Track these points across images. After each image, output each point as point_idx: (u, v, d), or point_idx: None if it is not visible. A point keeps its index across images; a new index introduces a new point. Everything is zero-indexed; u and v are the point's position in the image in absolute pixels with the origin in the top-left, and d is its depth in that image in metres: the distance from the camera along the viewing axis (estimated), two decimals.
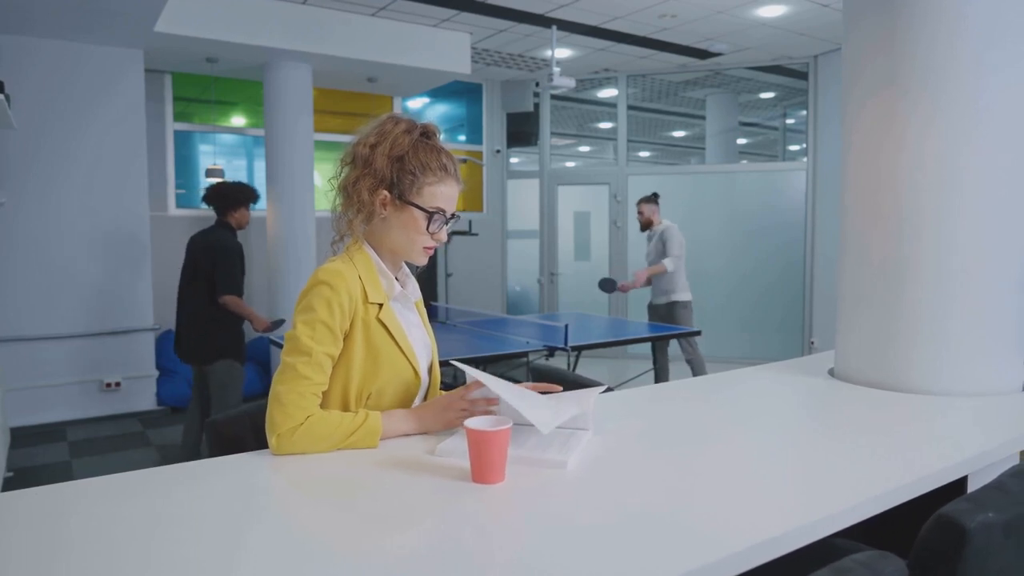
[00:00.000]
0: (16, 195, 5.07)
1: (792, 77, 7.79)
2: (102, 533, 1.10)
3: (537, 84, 7.98)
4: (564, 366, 4.81)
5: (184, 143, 6.71)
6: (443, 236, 1.60)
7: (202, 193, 4.08)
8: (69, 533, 1.10)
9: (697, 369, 5.53)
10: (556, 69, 5.34)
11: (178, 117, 6.58)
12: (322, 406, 1.50)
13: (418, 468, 1.36)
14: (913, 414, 1.87)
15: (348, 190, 1.54)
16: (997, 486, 1.25)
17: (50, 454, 4.66)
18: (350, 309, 1.50)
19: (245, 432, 1.70)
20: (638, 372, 6.10)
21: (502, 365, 5.64)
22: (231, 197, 3.97)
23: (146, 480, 1.36)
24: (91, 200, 5.38)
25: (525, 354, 4.53)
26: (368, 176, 1.52)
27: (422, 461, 1.40)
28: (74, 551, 1.04)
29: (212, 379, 3.87)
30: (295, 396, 1.43)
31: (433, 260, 7.63)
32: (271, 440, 1.43)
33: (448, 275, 7.35)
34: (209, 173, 6.20)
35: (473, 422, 1.30)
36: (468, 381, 1.56)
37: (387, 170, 1.52)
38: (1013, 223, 2.02)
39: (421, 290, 1.74)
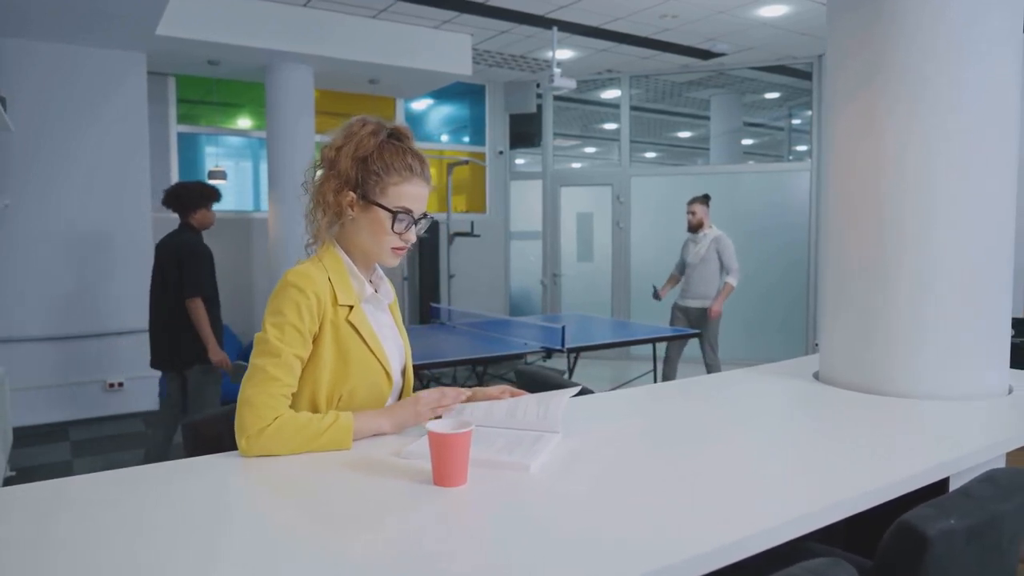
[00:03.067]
0: (18, 196, 5.11)
1: (796, 77, 7.75)
2: (78, 529, 1.11)
3: (538, 85, 7.97)
4: (563, 367, 4.81)
5: (189, 145, 6.74)
6: (412, 236, 1.59)
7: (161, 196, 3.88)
8: (56, 530, 1.11)
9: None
10: (557, 70, 5.32)
11: (182, 119, 6.62)
12: (292, 408, 1.50)
13: (383, 470, 1.36)
14: (894, 417, 1.85)
15: (315, 192, 1.55)
16: (963, 492, 1.24)
17: (52, 453, 4.69)
18: (319, 311, 1.50)
19: (224, 433, 1.71)
20: (639, 373, 6.07)
21: (500, 367, 5.63)
22: (189, 197, 3.79)
23: (126, 478, 1.37)
24: (92, 202, 5.42)
25: (523, 356, 4.52)
26: (333, 177, 1.53)
27: (388, 463, 1.40)
28: (59, 547, 1.05)
29: (190, 385, 3.78)
30: (265, 397, 1.43)
31: (436, 261, 7.67)
32: (240, 442, 1.43)
33: (451, 276, 7.34)
34: (212, 175, 6.25)
35: (435, 424, 1.29)
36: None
37: (351, 171, 1.52)
38: (994, 223, 2.00)
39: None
